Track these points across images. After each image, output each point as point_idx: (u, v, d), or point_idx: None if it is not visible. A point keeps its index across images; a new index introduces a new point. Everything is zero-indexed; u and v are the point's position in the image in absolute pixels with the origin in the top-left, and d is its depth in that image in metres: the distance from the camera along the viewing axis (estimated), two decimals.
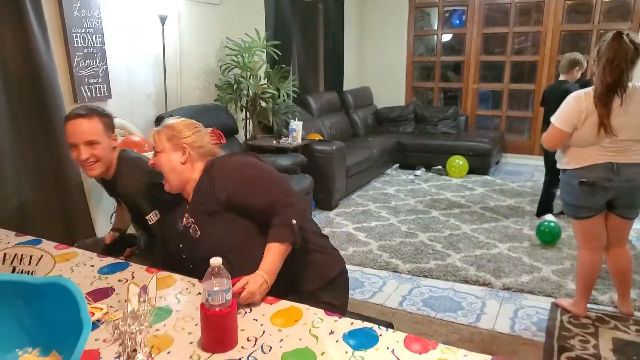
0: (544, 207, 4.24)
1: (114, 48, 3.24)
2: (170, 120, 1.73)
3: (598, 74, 2.29)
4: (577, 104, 2.34)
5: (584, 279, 2.63)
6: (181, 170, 1.66)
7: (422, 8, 6.86)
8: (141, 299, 0.87)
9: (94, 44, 3.06)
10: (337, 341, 1.24)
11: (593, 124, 2.31)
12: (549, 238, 3.67)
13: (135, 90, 3.46)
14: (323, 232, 4.10)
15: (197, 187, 1.66)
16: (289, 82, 4.46)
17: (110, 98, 3.23)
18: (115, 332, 0.82)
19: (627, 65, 2.24)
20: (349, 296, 2.88)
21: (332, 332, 1.28)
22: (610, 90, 2.28)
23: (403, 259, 3.49)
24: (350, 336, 1.26)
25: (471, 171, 5.75)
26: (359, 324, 1.31)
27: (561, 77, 4.03)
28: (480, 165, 5.72)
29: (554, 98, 3.44)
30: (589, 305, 2.70)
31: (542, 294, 2.95)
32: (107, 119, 1.92)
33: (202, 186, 1.64)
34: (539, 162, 4.36)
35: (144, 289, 0.90)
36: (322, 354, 1.19)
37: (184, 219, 1.68)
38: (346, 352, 1.20)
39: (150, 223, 1.92)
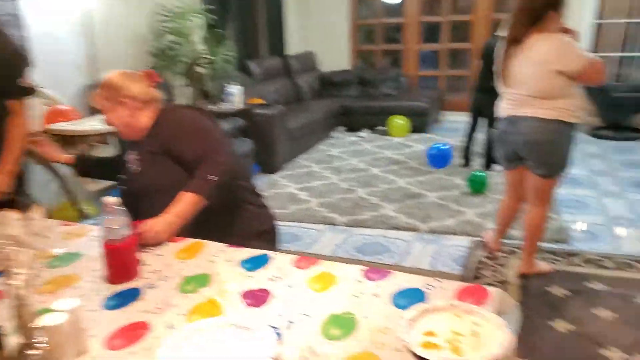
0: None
1: (34, 15, 3.17)
2: (104, 78, 1.77)
3: None
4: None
5: (499, 220, 2.85)
6: (131, 122, 1.74)
7: None
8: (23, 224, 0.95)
9: (5, 11, 2.97)
10: (233, 266, 1.37)
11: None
12: (477, 186, 3.90)
13: (61, 58, 3.42)
14: (266, 193, 4.20)
15: (149, 131, 1.76)
16: (226, 47, 4.47)
17: (33, 67, 3.18)
18: None
19: (523, 15, 2.34)
20: (287, 249, 3.05)
21: (230, 261, 1.40)
22: (510, 40, 2.42)
23: (340, 212, 3.65)
24: (246, 262, 1.39)
25: (414, 130, 5.94)
26: (256, 252, 1.44)
27: (498, 32, 4.15)
28: (419, 124, 5.92)
29: (490, 52, 3.62)
30: (506, 241, 2.92)
31: (463, 235, 3.18)
32: None
33: (153, 130, 1.76)
34: None
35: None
36: (217, 274, 1.32)
37: (131, 154, 1.79)
38: (240, 273, 1.33)
39: None
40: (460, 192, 3.93)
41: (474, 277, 2.61)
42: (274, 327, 1.05)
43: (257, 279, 1.29)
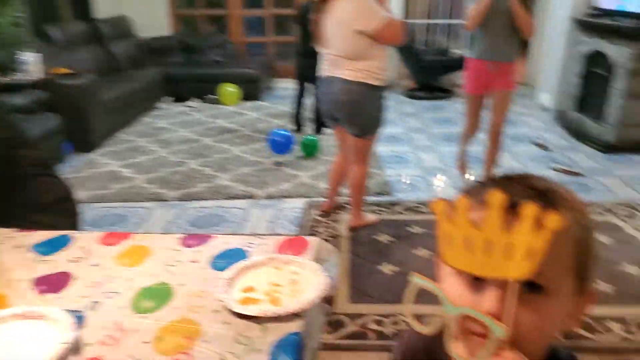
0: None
1: None
2: None
3: None
4: None
5: (331, 180, 2.94)
6: None
7: None
8: None
9: None
10: (24, 252, 1.14)
11: None
12: (309, 150, 3.99)
13: None
14: (83, 173, 3.76)
15: None
16: (12, 7, 3.79)
17: None
18: None
19: None
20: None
21: (19, 247, 1.17)
22: (319, 0, 2.42)
23: (171, 187, 3.43)
24: (39, 245, 1.18)
25: (246, 98, 5.83)
26: (52, 234, 1.23)
27: None
28: (251, 91, 5.84)
29: (305, 15, 3.65)
30: (338, 198, 3.02)
31: (298, 197, 3.23)
32: None
33: None
34: None
35: None
36: (1, 263, 1.09)
37: None
38: (32, 259, 1.12)
39: None
40: (295, 157, 3.98)
41: (309, 234, 2.66)
42: (75, 310, 0.90)
43: (55, 263, 1.09)
